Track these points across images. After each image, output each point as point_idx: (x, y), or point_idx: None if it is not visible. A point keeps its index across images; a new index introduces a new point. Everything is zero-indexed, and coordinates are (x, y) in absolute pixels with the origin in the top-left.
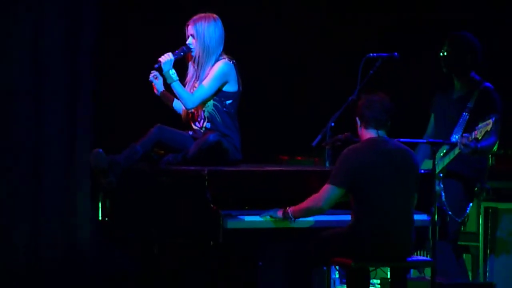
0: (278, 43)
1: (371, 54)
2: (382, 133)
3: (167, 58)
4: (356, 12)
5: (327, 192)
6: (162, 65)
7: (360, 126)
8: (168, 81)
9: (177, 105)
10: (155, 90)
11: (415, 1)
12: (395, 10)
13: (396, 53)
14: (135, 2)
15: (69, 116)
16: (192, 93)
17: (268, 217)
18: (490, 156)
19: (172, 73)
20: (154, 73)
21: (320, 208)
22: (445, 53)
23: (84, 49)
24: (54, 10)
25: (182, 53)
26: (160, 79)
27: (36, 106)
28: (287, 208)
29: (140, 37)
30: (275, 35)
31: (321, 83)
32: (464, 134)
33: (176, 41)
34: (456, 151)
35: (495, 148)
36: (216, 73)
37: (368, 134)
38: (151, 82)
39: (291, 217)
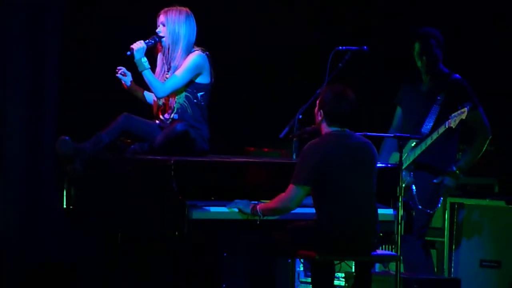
0: (247, 35)
1: (340, 47)
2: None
3: (139, 45)
4: (325, 4)
5: (293, 192)
6: (134, 52)
7: (323, 119)
8: (140, 69)
9: (148, 96)
10: (124, 86)
11: None
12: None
13: (365, 47)
14: None
15: (33, 103)
16: (163, 82)
17: (235, 209)
18: (457, 151)
19: (144, 61)
20: (121, 69)
21: (288, 209)
22: (418, 50)
23: (49, 36)
24: None
25: (153, 41)
26: (129, 75)
27: None
28: (257, 205)
29: (107, 21)
30: (244, 28)
31: (289, 75)
32: (445, 178)
33: (144, 29)
34: (428, 141)
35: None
36: (189, 64)
37: (329, 129)
38: (119, 79)
39: (260, 214)
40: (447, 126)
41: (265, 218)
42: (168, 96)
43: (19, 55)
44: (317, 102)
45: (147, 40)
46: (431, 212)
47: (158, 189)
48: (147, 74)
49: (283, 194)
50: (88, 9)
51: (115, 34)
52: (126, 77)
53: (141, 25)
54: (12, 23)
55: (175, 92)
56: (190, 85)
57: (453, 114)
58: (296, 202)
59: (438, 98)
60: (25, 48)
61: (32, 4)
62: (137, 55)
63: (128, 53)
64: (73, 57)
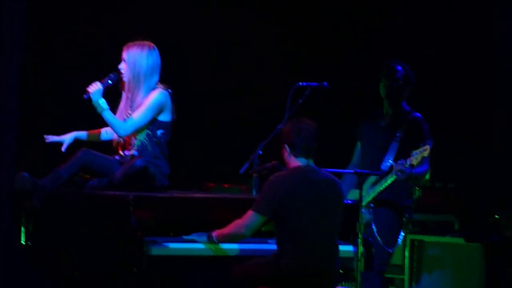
0: (207, 70)
1: (301, 83)
2: (311, 161)
3: (95, 88)
4: (285, 40)
5: (250, 219)
6: (91, 96)
7: (289, 153)
8: (98, 110)
9: (105, 135)
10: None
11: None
12: (325, 38)
13: (325, 83)
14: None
15: None
16: (124, 121)
17: (193, 244)
18: (417, 188)
19: (102, 102)
20: (48, 138)
21: (242, 235)
22: (384, 82)
23: (7, 70)
24: None
25: (110, 81)
26: (71, 139)
27: None
28: (211, 232)
29: (68, 53)
30: (204, 62)
31: (250, 111)
32: (398, 161)
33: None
34: (389, 180)
35: (427, 176)
36: (151, 102)
37: (296, 162)
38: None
39: (215, 240)
40: (408, 164)
41: (223, 247)
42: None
43: None
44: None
45: (103, 81)
46: (391, 250)
47: (117, 224)
48: (106, 115)
49: (239, 220)
50: (49, 38)
51: (77, 69)
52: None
53: (105, 54)
54: None
55: (137, 131)
56: (151, 122)
57: (415, 152)
58: (251, 229)
59: (397, 134)
60: None
61: None
62: (94, 98)
63: (85, 96)
64: (31, 90)
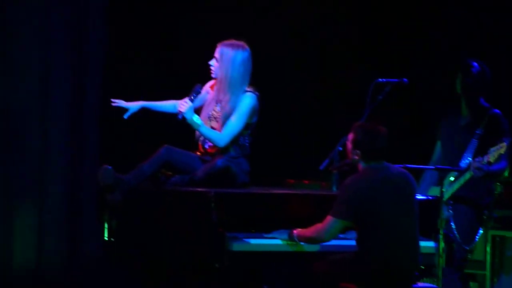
0: (288, 67)
1: (380, 79)
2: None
3: (186, 106)
4: (367, 37)
5: (330, 224)
6: (184, 115)
7: (360, 159)
8: (194, 127)
9: (173, 108)
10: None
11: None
12: (405, 36)
13: (405, 79)
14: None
15: (75, 135)
16: (221, 132)
17: (274, 240)
18: (498, 184)
19: (196, 118)
20: (115, 103)
21: (322, 240)
22: (460, 81)
23: (90, 67)
24: (61, 24)
25: (197, 94)
26: (130, 107)
27: (42, 126)
28: (294, 230)
29: (147, 57)
30: (286, 59)
31: (330, 107)
32: (476, 158)
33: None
34: (467, 176)
35: (506, 173)
36: (245, 109)
37: (368, 165)
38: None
39: (296, 240)
40: (486, 161)
41: (301, 243)
42: None
43: (62, 84)
44: (349, 140)
45: (191, 95)
46: (467, 247)
47: (199, 221)
48: (203, 130)
49: (319, 224)
50: (130, 36)
51: (160, 65)
52: (127, 105)
53: (188, 53)
54: (54, 54)
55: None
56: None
57: (492, 149)
58: (331, 234)
59: (477, 132)
60: (67, 77)
61: (73, 38)
62: (188, 116)
63: (179, 116)
64: (114, 88)
